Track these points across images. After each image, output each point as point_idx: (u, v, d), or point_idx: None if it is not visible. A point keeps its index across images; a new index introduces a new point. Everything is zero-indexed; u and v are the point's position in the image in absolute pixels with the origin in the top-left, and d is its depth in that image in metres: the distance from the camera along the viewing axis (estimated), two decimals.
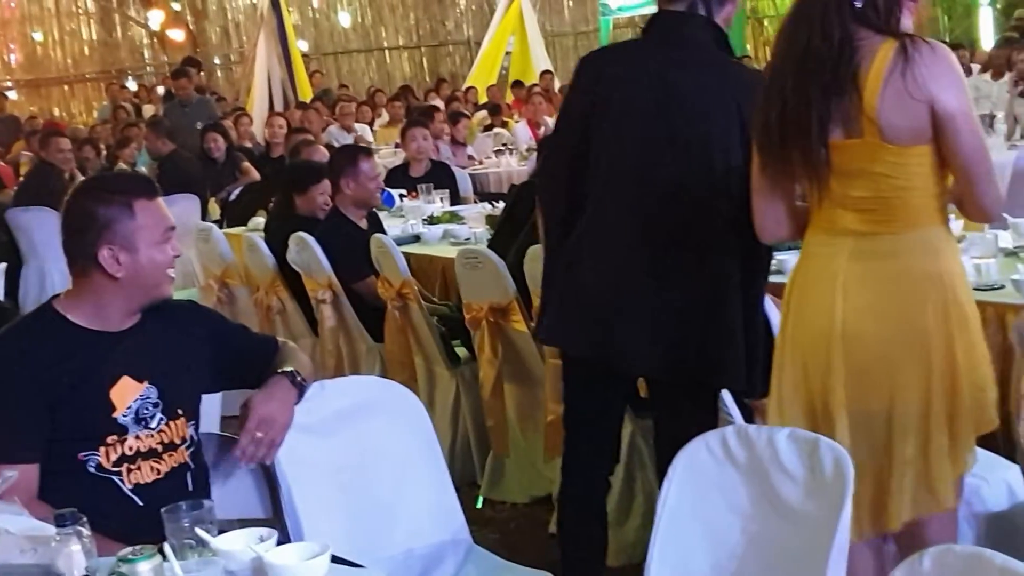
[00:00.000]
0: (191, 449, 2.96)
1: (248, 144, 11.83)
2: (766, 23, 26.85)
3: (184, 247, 7.04)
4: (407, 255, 5.60)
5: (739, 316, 3.27)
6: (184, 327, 3.04)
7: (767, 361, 3.11)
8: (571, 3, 25.51)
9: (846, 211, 2.81)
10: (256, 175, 9.74)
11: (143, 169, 10.61)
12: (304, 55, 19.34)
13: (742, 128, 3.14)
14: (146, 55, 23.02)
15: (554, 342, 3.78)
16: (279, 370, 3.05)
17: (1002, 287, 4.03)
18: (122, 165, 10.73)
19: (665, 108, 3.26)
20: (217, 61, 22.89)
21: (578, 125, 3.40)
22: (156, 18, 21.16)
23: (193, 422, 2.99)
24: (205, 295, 6.81)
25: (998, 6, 21.42)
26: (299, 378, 3.04)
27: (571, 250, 3.40)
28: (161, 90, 18.51)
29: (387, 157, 11.39)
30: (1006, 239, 4.68)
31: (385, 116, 16.31)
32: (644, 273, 3.29)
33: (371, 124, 15.48)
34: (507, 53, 20.62)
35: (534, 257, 4.34)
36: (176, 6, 21.14)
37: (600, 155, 3.35)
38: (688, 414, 3.31)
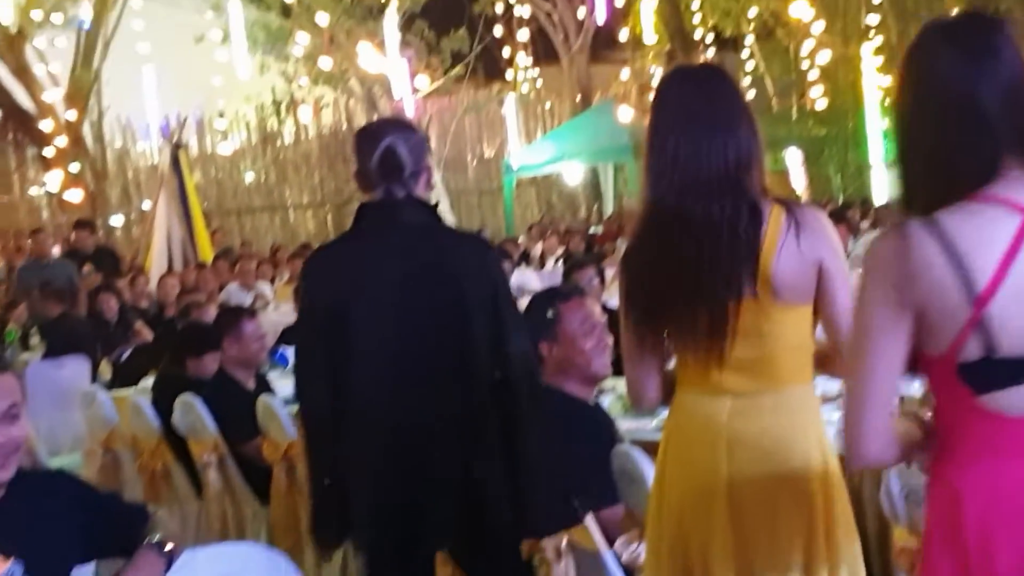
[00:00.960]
0: None
1: (144, 304, 11.69)
2: None
3: (73, 410, 6.95)
4: None
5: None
6: (52, 498, 2.94)
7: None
8: (475, 162, 25.87)
9: (727, 370, 2.86)
10: (148, 336, 9.62)
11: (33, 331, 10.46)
12: (205, 214, 19.31)
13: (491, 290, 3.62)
14: (44, 216, 22.86)
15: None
16: (146, 541, 2.95)
17: None
18: (12, 326, 10.53)
19: (395, 302, 3.61)
20: (117, 221, 22.76)
21: (325, 322, 3.66)
22: (55, 179, 21.05)
23: None
24: (89, 460, 6.63)
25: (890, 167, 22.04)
26: (167, 548, 2.94)
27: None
28: (57, 250, 18.32)
29: (288, 315, 11.29)
30: None
31: (287, 273, 16.26)
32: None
33: (272, 281, 15.39)
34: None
35: None
36: (74, 168, 21.03)
37: (354, 352, 3.64)
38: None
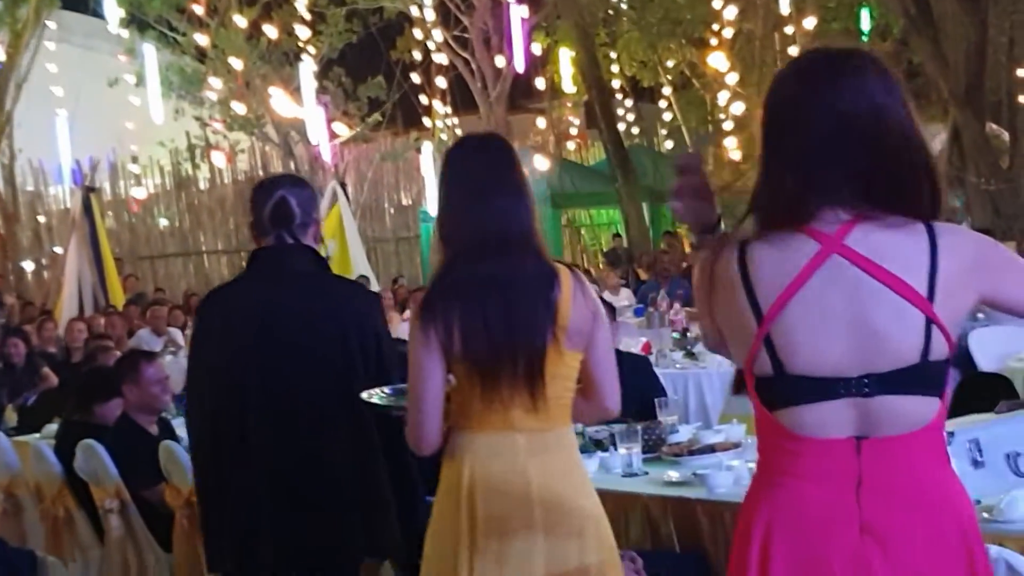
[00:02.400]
0: None
1: (52, 349, 11.54)
2: (583, 231, 27.59)
3: None
4: None
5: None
6: None
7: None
8: (392, 210, 25.85)
9: (520, 410, 3.16)
10: (55, 381, 9.50)
11: None
12: (117, 259, 19.11)
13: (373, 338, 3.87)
14: None
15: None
16: None
17: None
18: None
19: (283, 343, 3.80)
20: (28, 265, 22.46)
21: (217, 362, 3.89)
22: None
23: None
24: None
25: None
26: None
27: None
28: None
29: None
30: None
31: None
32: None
33: (184, 328, 15.25)
34: (327, 257, 20.63)
35: None
36: None
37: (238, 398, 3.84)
38: None
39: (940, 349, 2.22)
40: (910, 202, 2.23)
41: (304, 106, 20.87)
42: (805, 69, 2.32)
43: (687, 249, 21.82)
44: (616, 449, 4.76)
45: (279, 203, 3.91)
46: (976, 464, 3.42)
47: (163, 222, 23.64)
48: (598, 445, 5.03)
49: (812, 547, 2.24)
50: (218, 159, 23.11)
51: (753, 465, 3.96)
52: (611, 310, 6.64)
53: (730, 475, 4.28)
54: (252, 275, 4.02)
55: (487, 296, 3.14)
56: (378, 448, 3.88)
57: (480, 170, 3.22)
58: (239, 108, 22.31)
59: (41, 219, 23.11)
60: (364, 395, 3.66)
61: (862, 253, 2.21)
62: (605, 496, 4.47)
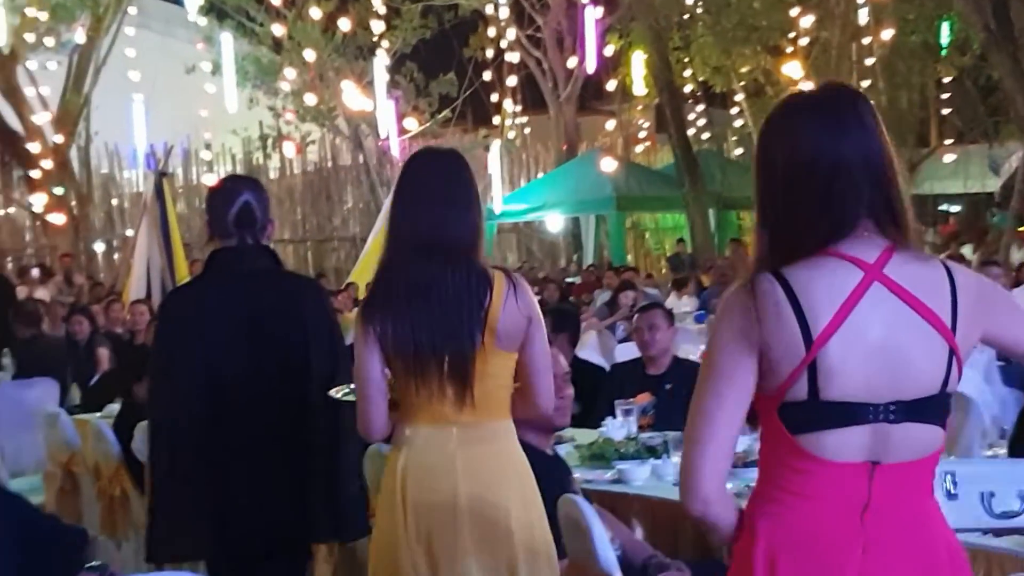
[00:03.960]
0: None
1: (119, 330, 11.68)
2: (647, 235, 27.50)
3: (39, 431, 6.93)
4: None
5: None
6: None
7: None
8: None
9: (450, 406, 3.39)
10: (105, 363, 9.61)
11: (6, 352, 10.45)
12: (186, 244, 19.29)
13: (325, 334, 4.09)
14: (27, 237, 22.86)
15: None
16: (87, 565, 2.97)
17: None
18: None
19: (248, 337, 4.01)
20: (99, 246, 22.77)
21: (179, 353, 4.08)
22: (39, 201, 21.05)
23: None
24: (48, 483, 6.61)
25: None
26: (107, 572, 2.95)
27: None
28: (36, 272, 18.29)
29: None
30: None
31: None
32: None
33: None
34: None
35: None
36: (59, 191, 21.05)
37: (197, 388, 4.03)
38: None
39: (954, 381, 2.32)
40: (907, 233, 2.33)
41: (375, 100, 21.04)
42: (828, 109, 2.36)
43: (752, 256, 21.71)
44: (669, 456, 4.74)
45: (244, 207, 4.11)
46: (950, 496, 3.46)
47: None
48: (651, 452, 5.01)
49: (818, 566, 2.29)
50: (288, 149, 23.26)
51: None
52: (670, 316, 6.66)
53: None
54: (213, 275, 4.21)
55: (414, 300, 3.36)
56: (339, 435, 4.08)
57: (427, 180, 3.44)
58: (311, 100, 22.44)
59: (114, 202, 23.41)
60: (333, 392, 3.88)
61: (899, 283, 2.28)
62: (655, 505, 4.53)
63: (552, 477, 4.07)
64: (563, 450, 5.06)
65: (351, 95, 20.96)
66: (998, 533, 3.51)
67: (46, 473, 6.76)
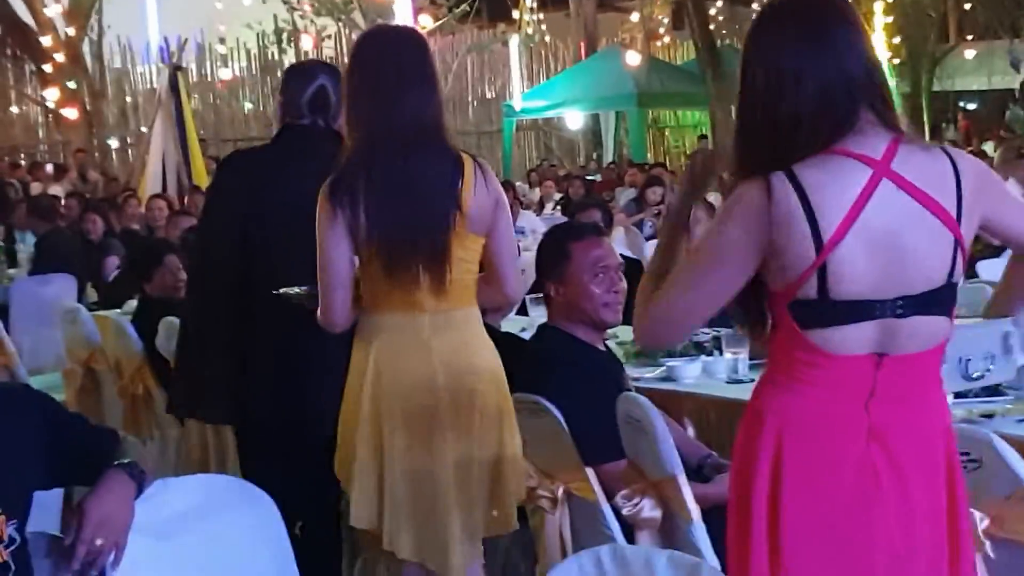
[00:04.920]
0: (11, 549, 2.65)
1: (135, 226, 11.48)
2: (667, 132, 27.20)
3: (58, 328, 6.76)
4: None
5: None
6: (11, 416, 2.74)
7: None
8: (476, 103, 25.61)
9: (424, 292, 3.34)
10: (112, 270, 9.37)
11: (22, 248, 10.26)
12: (202, 140, 19.06)
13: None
14: (40, 133, 22.61)
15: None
16: (115, 463, 2.77)
17: None
18: None
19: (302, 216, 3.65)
20: (114, 142, 22.52)
21: (236, 226, 4.00)
22: (52, 96, 20.75)
23: (15, 520, 2.68)
24: (69, 380, 6.44)
25: None
26: (137, 470, 2.76)
27: None
28: (50, 168, 18.09)
29: None
30: None
31: None
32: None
33: None
34: None
35: None
36: (71, 84, 20.72)
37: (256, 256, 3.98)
38: None
39: (959, 271, 2.34)
40: (905, 125, 2.37)
41: None
42: (804, 15, 2.38)
43: None
44: (721, 353, 4.53)
45: (319, 90, 4.01)
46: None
47: (247, 106, 23.52)
48: (699, 348, 4.80)
49: (823, 450, 2.36)
50: (307, 43, 22.91)
51: None
52: (711, 209, 6.44)
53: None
54: (285, 147, 4.08)
55: (396, 186, 3.28)
56: None
57: (390, 61, 3.33)
58: None
59: (127, 98, 23.11)
60: (281, 291, 3.70)
61: (907, 178, 2.28)
62: (707, 403, 4.34)
63: (608, 374, 3.90)
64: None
65: None
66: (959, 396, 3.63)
67: (66, 371, 6.58)
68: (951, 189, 2.31)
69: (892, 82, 18.73)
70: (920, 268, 2.30)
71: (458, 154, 3.39)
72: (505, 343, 4.01)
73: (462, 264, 3.37)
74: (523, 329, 5.22)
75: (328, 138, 3.94)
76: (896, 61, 21.71)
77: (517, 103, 22.10)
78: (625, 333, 5.20)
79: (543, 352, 3.96)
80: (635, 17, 26.01)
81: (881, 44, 20.87)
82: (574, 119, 24.40)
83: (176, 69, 16.32)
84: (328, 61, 3.67)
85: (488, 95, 25.71)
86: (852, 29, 2.35)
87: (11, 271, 9.68)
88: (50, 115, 21.67)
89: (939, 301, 2.34)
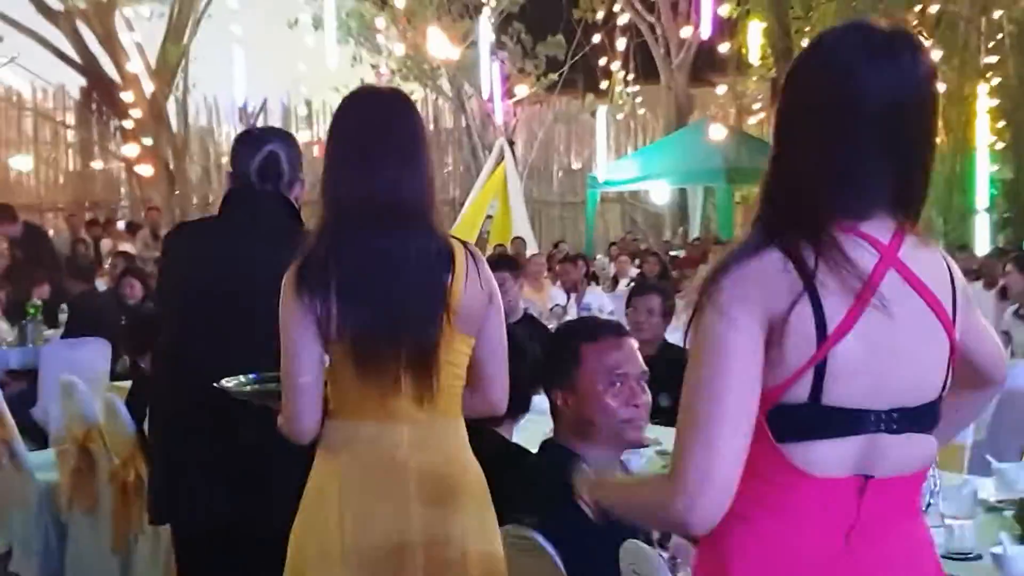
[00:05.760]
0: None
1: None
2: None
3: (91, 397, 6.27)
4: None
5: None
6: None
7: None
8: (561, 173, 25.21)
9: (406, 400, 2.87)
10: None
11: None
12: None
13: None
14: (122, 190, 22.53)
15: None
16: None
17: (978, 558, 3.21)
18: (36, 300, 9.85)
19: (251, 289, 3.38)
20: (195, 201, 22.39)
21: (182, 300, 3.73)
22: (132, 152, 20.64)
23: None
24: (62, 461, 5.92)
25: (995, 215, 21.05)
26: None
27: None
28: (122, 225, 17.88)
29: None
30: (987, 488, 3.87)
31: None
32: None
33: None
34: (488, 216, 20.24)
35: None
36: (147, 141, 20.55)
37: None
38: None
39: (948, 384, 2.07)
40: (920, 213, 2.04)
41: (480, 59, 20.37)
42: (860, 45, 1.99)
43: None
44: None
45: (269, 156, 3.70)
46: None
47: None
48: None
49: None
50: None
51: (950, 521, 3.22)
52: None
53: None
54: (231, 213, 3.77)
55: (371, 272, 2.85)
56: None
57: (371, 129, 2.91)
58: (399, 49, 21.72)
59: (211, 156, 23.01)
60: (224, 382, 3.22)
61: (914, 271, 2.00)
62: None
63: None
64: (640, 458, 4.20)
65: (438, 43, 20.17)
66: None
67: (60, 450, 6.06)
68: (948, 292, 2.05)
69: (994, 168, 18.29)
70: (918, 375, 2.01)
71: (447, 240, 2.93)
72: (509, 459, 3.43)
73: (449, 369, 2.92)
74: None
75: (280, 203, 3.68)
76: (1000, 146, 20.92)
77: (602, 174, 21.58)
78: (669, 438, 4.52)
79: (542, 477, 3.30)
80: (720, 90, 25.48)
81: (985, 128, 20.20)
82: (660, 193, 23.85)
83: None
84: None
85: (574, 166, 25.27)
86: (920, 77, 1.98)
87: (48, 332, 9.25)
88: (131, 172, 21.58)
89: (931, 417, 2.05)
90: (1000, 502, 3.76)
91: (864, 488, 1.99)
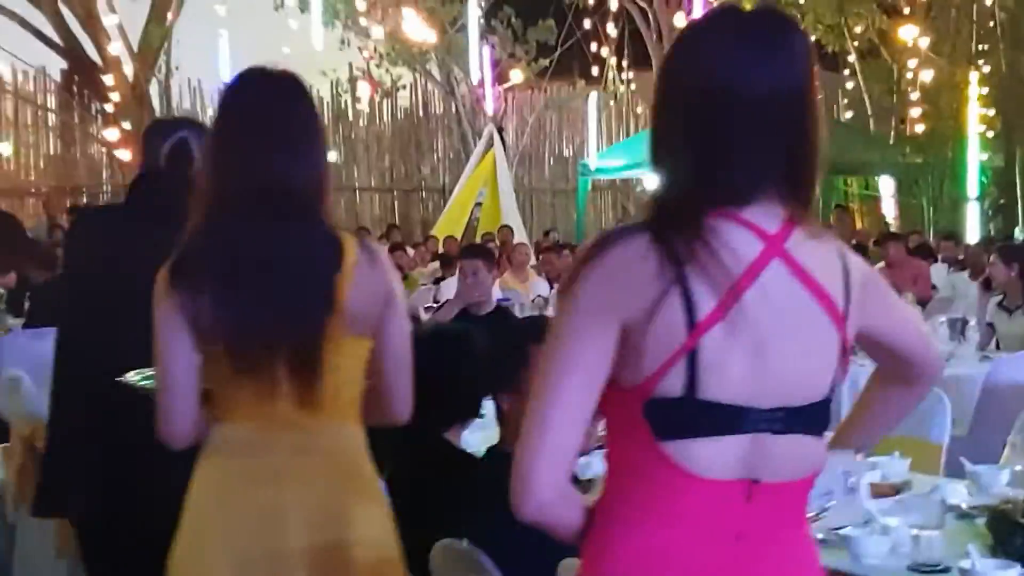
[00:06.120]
0: None
1: None
2: None
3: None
4: None
5: None
6: None
7: None
8: (552, 160, 25.02)
9: (287, 403, 2.69)
10: None
11: None
12: None
13: None
14: (104, 174, 22.28)
15: None
16: None
17: (946, 570, 3.02)
18: None
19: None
20: None
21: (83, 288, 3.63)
22: (113, 136, 20.39)
23: None
24: (8, 458, 5.70)
25: (985, 204, 20.92)
26: None
27: None
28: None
29: None
30: (959, 492, 3.68)
31: None
32: None
33: None
34: (478, 204, 20.12)
35: None
36: (127, 125, 20.29)
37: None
38: None
39: (838, 383, 2.00)
40: (808, 201, 1.98)
41: (469, 44, 20.19)
42: (732, 30, 1.95)
43: (857, 225, 20.66)
44: None
45: (178, 143, 3.64)
46: None
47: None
48: None
49: None
50: (364, 90, 22.52)
51: (916, 531, 2.98)
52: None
53: (886, 541, 3.18)
54: (136, 198, 3.73)
55: (247, 267, 2.69)
56: None
57: (258, 111, 2.74)
58: (378, 32, 21.47)
59: None
60: (127, 377, 3.11)
61: (800, 262, 1.93)
62: None
63: None
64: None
65: (415, 25, 19.95)
66: None
67: (5, 448, 5.84)
68: (840, 285, 1.97)
69: (984, 156, 18.17)
70: (803, 373, 1.94)
71: (338, 234, 2.75)
72: (455, 467, 3.26)
73: (340, 372, 2.73)
74: None
75: (188, 188, 3.40)
76: (990, 134, 20.78)
77: (593, 162, 21.39)
78: None
79: (484, 485, 3.10)
80: None
81: (975, 116, 20.07)
82: (653, 180, 23.64)
83: None
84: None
85: (565, 153, 25.07)
86: (796, 66, 1.94)
87: (13, 321, 9.05)
88: (114, 156, 21.33)
89: (818, 418, 1.98)
90: (973, 508, 3.57)
91: (751, 492, 1.93)
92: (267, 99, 2.78)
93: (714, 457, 1.91)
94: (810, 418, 1.97)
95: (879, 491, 3.69)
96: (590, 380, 1.90)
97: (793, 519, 2.03)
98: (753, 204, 1.93)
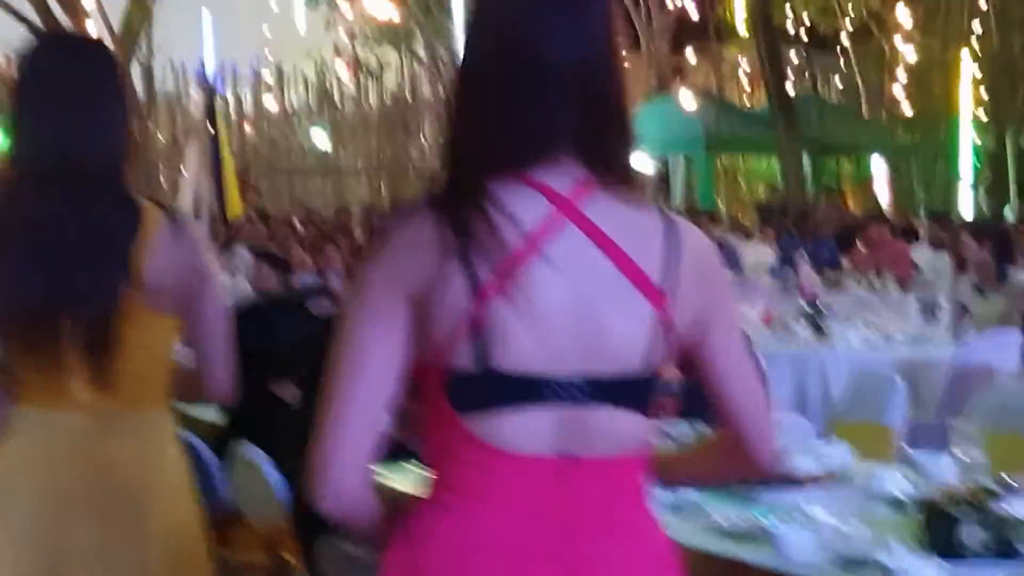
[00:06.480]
0: None
1: None
2: (740, 179, 26.38)
3: None
4: None
5: None
6: None
7: None
8: None
9: (81, 383, 2.55)
10: None
11: None
12: (246, 171, 18.55)
13: None
14: None
15: None
16: None
17: (864, 564, 2.80)
18: None
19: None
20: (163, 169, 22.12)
21: None
22: None
23: None
24: None
25: (979, 185, 20.83)
26: None
27: None
28: None
29: None
30: (897, 482, 3.46)
31: None
32: None
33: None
34: None
35: None
36: None
37: None
38: None
39: (661, 360, 1.89)
40: (624, 167, 1.89)
41: (454, 25, 20.09)
42: None
43: (848, 208, 20.53)
44: None
45: None
46: None
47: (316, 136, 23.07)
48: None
49: None
50: (341, 69, 22.45)
51: (849, 529, 2.88)
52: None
53: (812, 539, 2.96)
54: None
55: (28, 241, 2.54)
56: None
57: (52, 78, 2.61)
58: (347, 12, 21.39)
59: (179, 122, 22.70)
60: None
61: (599, 226, 1.84)
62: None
63: None
64: None
65: (376, 3, 19.82)
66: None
67: None
68: (656, 254, 1.85)
69: (974, 137, 18.04)
70: (605, 343, 1.84)
71: (138, 202, 2.58)
72: None
73: (141, 352, 2.58)
74: None
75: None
76: (982, 115, 20.67)
77: None
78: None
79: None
80: (693, 59, 25.27)
81: (967, 97, 19.95)
82: (640, 162, 23.56)
83: (212, 96, 15.74)
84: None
85: None
86: (591, 22, 1.87)
87: None
88: None
89: (632, 393, 1.87)
90: (910, 497, 3.35)
91: (563, 469, 1.85)
92: (67, 62, 2.66)
93: (518, 431, 1.84)
94: (621, 392, 1.87)
95: (813, 479, 3.49)
96: (385, 360, 1.83)
97: (627, 498, 1.94)
98: (542, 164, 1.85)
